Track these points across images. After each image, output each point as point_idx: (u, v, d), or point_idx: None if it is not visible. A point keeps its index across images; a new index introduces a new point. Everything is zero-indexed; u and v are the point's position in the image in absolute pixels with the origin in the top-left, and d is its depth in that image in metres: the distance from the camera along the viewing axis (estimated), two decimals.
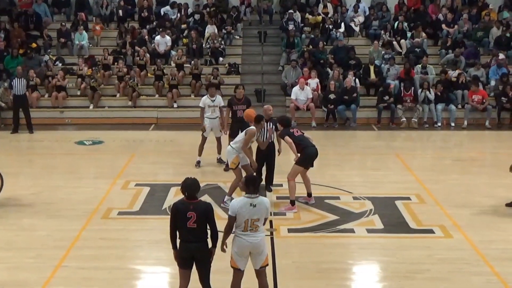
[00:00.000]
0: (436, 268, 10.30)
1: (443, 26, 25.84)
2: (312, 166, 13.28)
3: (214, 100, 16.20)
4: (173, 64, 24.16)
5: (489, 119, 21.88)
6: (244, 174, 12.88)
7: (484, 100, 22.02)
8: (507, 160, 14.62)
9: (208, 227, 8.44)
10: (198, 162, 16.30)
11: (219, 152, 16.47)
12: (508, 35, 25.24)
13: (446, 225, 12.26)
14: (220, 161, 16.38)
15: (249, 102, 16.25)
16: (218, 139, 16.44)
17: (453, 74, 23.13)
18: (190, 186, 8.44)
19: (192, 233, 8.35)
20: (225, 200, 13.30)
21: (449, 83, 22.70)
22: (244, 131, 13.32)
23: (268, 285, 8.93)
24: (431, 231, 11.99)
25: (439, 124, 21.85)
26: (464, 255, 10.90)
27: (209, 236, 8.46)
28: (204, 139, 16.30)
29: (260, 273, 8.82)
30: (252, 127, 13.23)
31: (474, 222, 12.50)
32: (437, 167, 16.51)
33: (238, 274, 8.80)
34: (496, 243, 11.38)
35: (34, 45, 25.22)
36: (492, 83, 23.21)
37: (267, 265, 8.94)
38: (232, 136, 15.05)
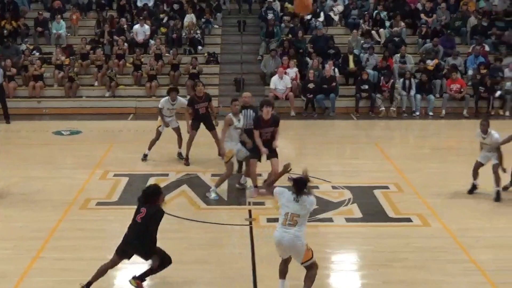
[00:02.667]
0: (414, 257, 10.36)
1: (422, 15, 25.93)
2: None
3: (174, 104, 16.02)
4: (152, 54, 24.04)
5: (467, 108, 22.01)
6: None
7: (462, 89, 22.13)
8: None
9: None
10: (145, 156, 16.14)
11: (179, 146, 16.26)
12: (484, 24, 25.36)
13: (424, 213, 12.33)
14: (180, 156, 16.20)
15: (210, 99, 15.92)
16: (177, 131, 16.20)
17: (430, 63, 23.23)
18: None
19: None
20: (210, 190, 13.33)
21: (427, 72, 22.78)
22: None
23: (313, 276, 8.85)
24: (409, 220, 12.06)
25: (418, 113, 21.95)
26: (442, 243, 10.97)
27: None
28: (159, 134, 16.12)
29: (306, 268, 8.87)
30: (229, 114, 13.20)
31: (452, 210, 12.59)
32: (416, 156, 16.59)
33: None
34: (473, 231, 11.45)
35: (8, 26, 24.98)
36: (470, 72, 23.32)
37: (309, 260, 8.82)
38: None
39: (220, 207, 12.92)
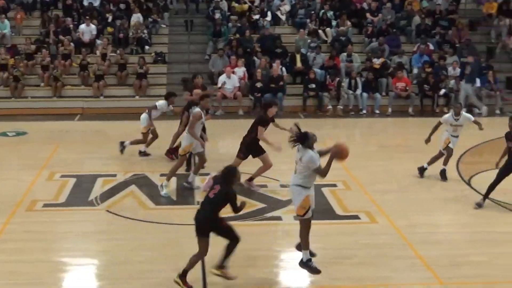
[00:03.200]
0: (362, 253, 10.48)
1: (368, 15, 26.22)
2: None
3: (169, 108, 16.35)
4: (98, 54, 23.82)
5: (412, 106, 22.35)
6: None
7: (407, 88, 22.46)
8: (430, 146, 14.98)
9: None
10: (145, 154, 16.32)
11: (148, 145, 16.31)
12: (429, 23, 25.78)
13: (372, 210, 12.48)
14: (142, 153, 16.22)
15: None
16: (154, 132, 16.27)
17: (376, 61, 23.51)
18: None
19: None
20: (163, 184, 13.37)
21: (374, 71, 23.06)
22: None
23: (302, 234, 9.47)
24: (356, 217, 12.19)
25: (364, 111, 22.20)
26: (389, 239, 11.12)
27: None
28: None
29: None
30: (197, 108, 13.29)
31: (399, 207, 12.77)
32: (363, 154, 16.74)
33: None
34: (420, 227, 11.64)
35: None
36: (415, 70, 23.68)
37: (298, 215, 9.46)
38: None
39: (169, 207, 12.88)
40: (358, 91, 22.40)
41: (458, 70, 23.31)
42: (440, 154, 14.56)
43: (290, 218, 12.16)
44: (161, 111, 16.14)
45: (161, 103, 16.13)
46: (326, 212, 12.54)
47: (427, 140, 14.57)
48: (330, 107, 22.12)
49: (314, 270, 9.56)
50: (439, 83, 22.60)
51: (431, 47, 24.63)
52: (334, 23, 25.76)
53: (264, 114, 13.61)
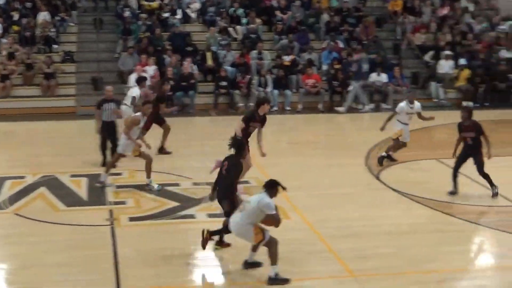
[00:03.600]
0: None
1: (277, 12, 26.45)
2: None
3: None
4: (4, 53, 23.22)
5: (322, 102, 22.69)
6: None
7: (317, 84, 22.79)
8: (340, 141, 15.34)
9: None
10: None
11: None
12: (337, 20, 26.22)
13: (284, 207, 12.59)
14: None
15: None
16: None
17: (286, 59, 23.76)
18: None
19: None
20: (149, 183, 13.54)
21: (284, 68, 23.28)
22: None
23: (273, 252, 9.42)
24: None
25: (275, 108, 22.39)
26: (302, 235, 11.28)
27: None
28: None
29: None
30: (138, 114, 13.55)
31: (310, 202, 12.96)
32: (274, 151, 16.77)
33: None
34: (331, 222, 11.85)
35: None
36: (324, 67, 24.05)
37: (261, 241, 9.43)
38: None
39: (80, 208, 12.70)
40: (269, 88, 22.59)
41: (365, 66, 23.79)
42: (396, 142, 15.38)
43: (203, 216, 12.19)
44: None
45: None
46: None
47: (382, 128, 15.45)
48: (241, 104, 22.22)
49: (284, 281, 9.48)
50: (347, 79, 23.02)
51: (340, 44, 25.06)
52: (244, 20, 25.89)
53: (256, 111, 13.37)
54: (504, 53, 25.17)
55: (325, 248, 10.66)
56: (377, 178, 14.76)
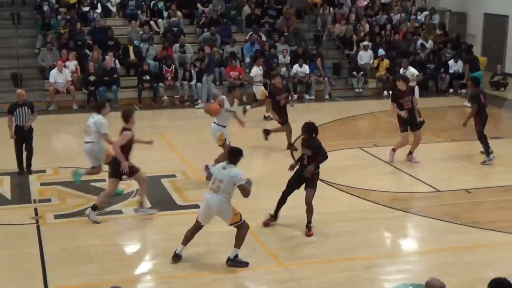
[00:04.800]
0: (206, 242, 10.62)
1: (199, 5, 26.41)
2: None
3: None
4: None
5: (246, 94, 22.77)
6: None
7: (241, 76, 22.87)
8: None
9: None
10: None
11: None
12: (258, 13, 26.38)
13: None
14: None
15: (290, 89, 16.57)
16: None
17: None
18: None
19: None
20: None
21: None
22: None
23: (242, 235, 9.82)
24: (197, 206, 12.26)
25: (200, 101, 22.36)
26: (230, 227, 11.30)
27: None
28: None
29: (236, 228, 9.86)
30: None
31: (238, 194, 12.98)
32: (200, 144, 16.86)
33: (196, 224, 10.06)
34: (258, 213, 11.80)
35: None
36: (247, 59, 24.16)
37: (237, 222, 9.77)
38: None
39: (3, 207, 12.47)
40: (193, 82, 22.57)
41: (288, 57, 24.01)
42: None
43: (131, 211, 12.15)
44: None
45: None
46: (166, 202, 12.63)
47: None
48: (165, 98, 22.12)
49: (243, 264, 9.82)
50: (271, 71, 23.18)
51: (262, 37, 25.21)
52: (165, 14, 25.76)
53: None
54: (422, 43, 25.79)
55: (253, 240, 10.75)
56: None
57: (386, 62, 24.33)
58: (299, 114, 16.91)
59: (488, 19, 29.38)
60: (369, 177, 14.25)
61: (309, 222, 11.11)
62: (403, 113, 14.66)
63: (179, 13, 25.58)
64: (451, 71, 24.64)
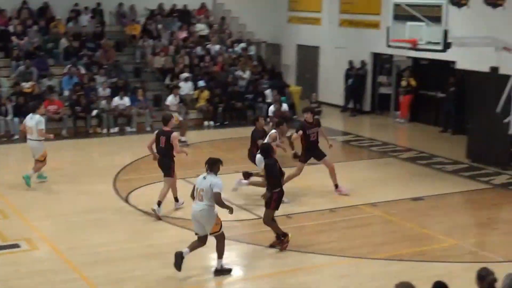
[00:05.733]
0: (26, 283, 10.33)
1: (13, 38, 25.61)
2: None
3: None
4: None
5: (66, 128, 22.34)
6: None
7: (59, 110, 22.41)
8: (87, 166, 15.21)
9: None
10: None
11: None
12: (76, 45, 26.01)
13: (32, 237, 12.33)
14: None
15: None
16: None
17: (26, 85, 23.13)
18: None
19: None
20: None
21: (24, 95, 22.61)
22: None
23: (222, 245, 10.75)
24: (16, 246, 11.94)
25: (17, 136, 21.64)
26: (53, 265, 11.11)
27: None
28: None
29: (215, 238, 10.73)
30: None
31: (59, 231, 12.78)
32: (18, 181, 16.33)
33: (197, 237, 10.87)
34: (81, 249, 11.77)
35: None
36: (66, 93, 23.73)
37: (216, 232, 10.61)
38: None
39: None
40: (10, 116, 21.82)
41: (108, 90, 23.84)
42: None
43: None
44: None
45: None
46: None
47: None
48: None
49: (228, 271, 10.88)
50: (90, 104, 22.92)
51: (81, 69, 24.85)
52: None
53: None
54: (239, 74, 26.51)
55: (78, 276, 10.60)
56: (126, 201, 14.89)
57: (206, 93, 24.76)
58: (122, 146, 16.88)
59: (301, 50, 30.78)
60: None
61: (277, 235, 11.99)
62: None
63: None
64: (268, 100, 25.47)
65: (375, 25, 25.99)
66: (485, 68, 18.84)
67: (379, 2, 25.82)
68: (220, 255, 10.75)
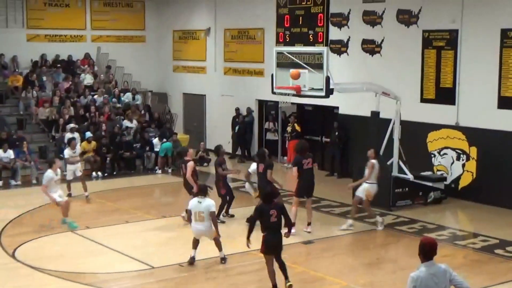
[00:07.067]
0: None
1: None
2: None
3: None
4: None
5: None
6: None
7: None
8: None
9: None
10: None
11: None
12: None
13: None
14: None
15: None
16: None
17: None
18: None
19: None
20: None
21: None
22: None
23: (219, 242, 13.54)
24: None
25: None
26: None
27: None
28: None
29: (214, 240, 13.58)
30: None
31: None
32: None
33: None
34: None
35: None
36: None
37: (216, 237, 13.37)
38: None
39: None
40: None
41: None
42: None
43: None
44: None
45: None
46: None
47: None
48: None
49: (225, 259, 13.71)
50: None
51: None
52: None
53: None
54: (126, 123, 26.36)
55: None
56: (13, 256, 14.44)
57: (93, 144, 24.40)
58: (6, 199, 16.41)
59: (188, 99, 30.97)
60: (80, 260, 14.11)
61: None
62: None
63: None
64: (156, 149, 25.40)
65: (260, 73, 26.53)
66: (366, 112, 19.55)
67: (262, 51, 26.41)
68: (220, 248, 13.53)
